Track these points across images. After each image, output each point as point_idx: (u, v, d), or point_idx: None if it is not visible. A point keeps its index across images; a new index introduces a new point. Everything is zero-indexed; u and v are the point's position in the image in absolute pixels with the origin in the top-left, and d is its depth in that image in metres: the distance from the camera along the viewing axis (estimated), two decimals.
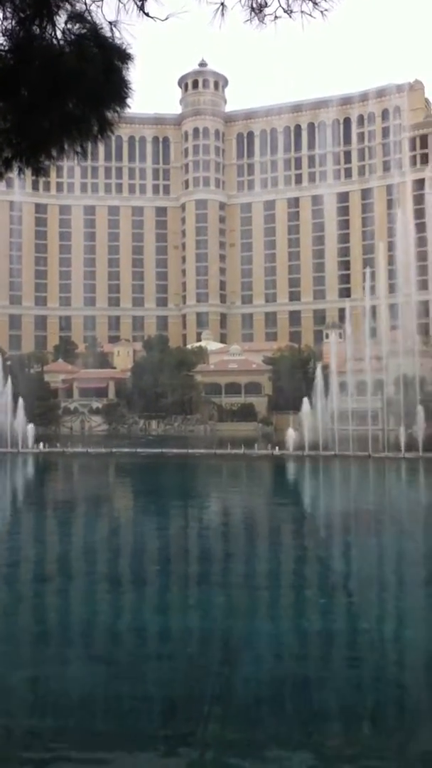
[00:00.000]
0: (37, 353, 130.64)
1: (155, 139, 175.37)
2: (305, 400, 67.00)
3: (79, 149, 6.20)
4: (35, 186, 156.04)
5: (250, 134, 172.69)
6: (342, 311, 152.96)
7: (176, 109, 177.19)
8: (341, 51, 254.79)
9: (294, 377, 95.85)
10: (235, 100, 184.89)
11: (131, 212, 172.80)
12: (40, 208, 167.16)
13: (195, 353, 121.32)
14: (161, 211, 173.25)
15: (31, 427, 64.68)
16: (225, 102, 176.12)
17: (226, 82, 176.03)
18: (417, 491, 41.86)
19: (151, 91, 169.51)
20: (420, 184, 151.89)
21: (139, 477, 52.63)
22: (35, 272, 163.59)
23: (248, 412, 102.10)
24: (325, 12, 5.09)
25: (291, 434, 64.75)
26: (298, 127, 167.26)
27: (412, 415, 68.67)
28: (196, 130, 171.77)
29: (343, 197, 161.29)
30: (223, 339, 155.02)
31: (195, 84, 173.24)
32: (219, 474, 53.14)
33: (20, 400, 63.78)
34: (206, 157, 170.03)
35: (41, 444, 65.12)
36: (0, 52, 5.12)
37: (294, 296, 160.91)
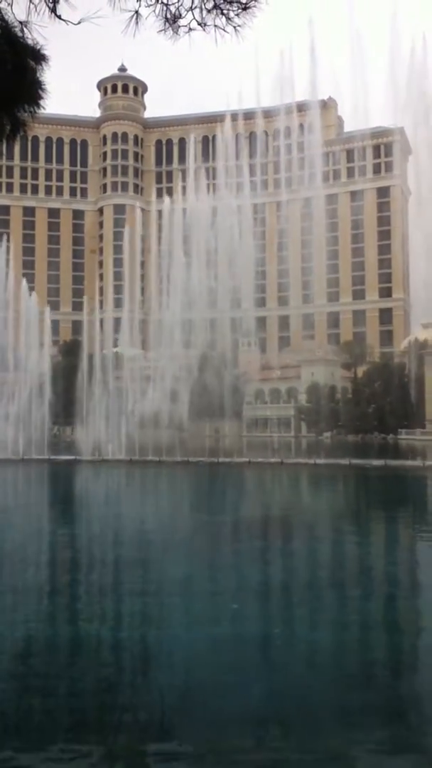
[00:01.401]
0: None
1: (73, 141, 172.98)
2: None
3: None
4: None
5: (169, 141, 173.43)
6: (257, 320, 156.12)
7: (95, 112, 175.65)
8: (259, 64, 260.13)
9: (210, 384, 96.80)
10: (155, 107, 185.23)
11: (47, 214, 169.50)
12: None
13: (111, 359, 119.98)
14: (78, 214, 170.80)
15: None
16: (144, 108, 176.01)
17: (145, 88, 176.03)
18: (318, 498, 43.04)
19: (72, 93, 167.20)
20: (332, 199, 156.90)
21: (45, 485, 51.48)
22: None
23: (165, 419, 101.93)
24: (238, 28, 5.21)
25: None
26: (215, 137, 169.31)
27: (324, 422, 70.76)
28: (114, 135, 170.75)
29: (260, 209, 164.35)
30: (140, 345, 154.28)
31: (114, 88, 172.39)
32: (132, 480, 52.73)
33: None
34: (124, 162, 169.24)
35: None
36: None
37: (210, 304, 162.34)
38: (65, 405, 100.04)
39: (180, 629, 14.33)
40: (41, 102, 5.78)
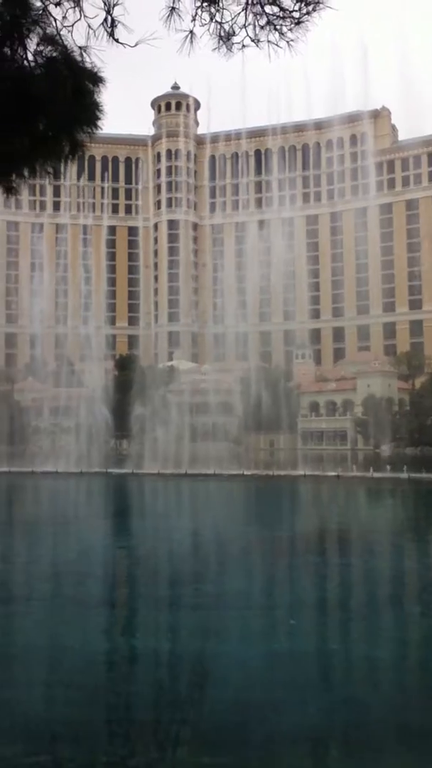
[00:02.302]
0: (6, 371, 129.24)
1: (128, 160, 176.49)
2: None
3: (50, 169, 6.26)
4: (6, 204, 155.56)
5: (222, 156, 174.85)
6: (311, 332, 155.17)
7: (149, 130, 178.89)
8: (312, 76, 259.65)
9: (265, 397, 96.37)
10: (207, 123, 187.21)
11: (103, 231, 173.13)
12: (11, 226, 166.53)
13: (166, 372, 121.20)
14: (133, 231, 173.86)
15: None
16: (197, 124, 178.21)
17: (198, 105, 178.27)
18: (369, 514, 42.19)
19: (126, 112, 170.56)
20: (386, 208, 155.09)
21: (103, 498, 52.10)
22: (6, 290, 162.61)
23: (220, 432, 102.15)
24: (291, 42, 5.24)
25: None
26: (268, 151, 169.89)
27: (381, 435, 69.46)
28: (168, 152, 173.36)
29: (312, 220, 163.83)
30: (194, 358, 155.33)
31: (168, 106, 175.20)
32: (188, 493, 52.90)
33: None
34: (178, 178, 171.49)
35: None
36: None
37: (264, 317, 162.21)
38: (122, 418, 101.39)
39: (239, 644, 14.26)
40: (98, 123, 5.94)
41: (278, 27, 5.21)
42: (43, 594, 19.09)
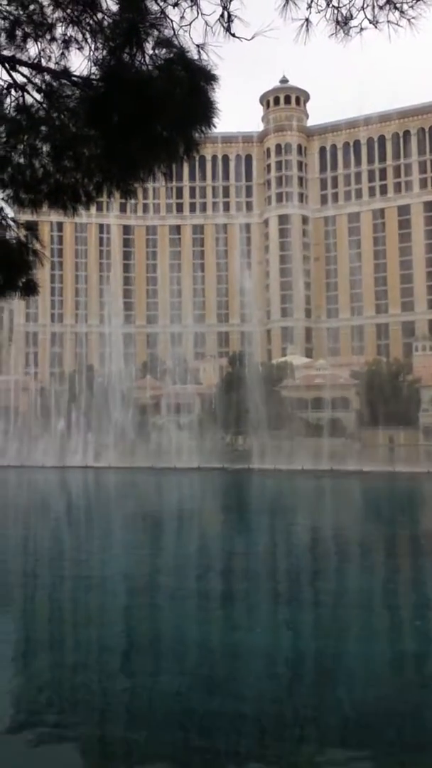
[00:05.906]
0: (127, 370, 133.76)
1: (238, 157, 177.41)
2: None
3: (165, 170, 6.35)
4: (123, 208, 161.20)
5: (333, 147, 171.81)
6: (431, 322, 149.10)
7: (258, 126, 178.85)
8: (424, 58, 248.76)
9: (383, 392, 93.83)
10: (317, 113, 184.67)
11: (215, 230, 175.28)
12: (127, 230, 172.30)
13: (280, 368, 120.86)
14: (245, 228, 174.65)
15: None
16: (307, 117, 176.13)
17: (307, 97, 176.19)
18: None
19: (233, 109, 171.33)
20: None
21: (223, 493, 52.70)
22: (124, 291, 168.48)
23: (336, 428, 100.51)
24: (412, 20, 4.99)
25: None
26: (382, 138, 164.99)
27: None
28: (278, 146, 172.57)
29: (430, 206, 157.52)
30: (308, 353, 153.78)
31: (276, 101, 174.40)
32: (306, 489, 52.43)
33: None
34: (289, 172, 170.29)
35: None
36: (92, 81, 5.33)
37: (381, 309, 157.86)
38: (236, 415, 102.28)
39: (367, 643, 13.97)
40: (213, 121, 5.94)
41: (398, 5, 4.97)
42: (168, 587, 19.59)
